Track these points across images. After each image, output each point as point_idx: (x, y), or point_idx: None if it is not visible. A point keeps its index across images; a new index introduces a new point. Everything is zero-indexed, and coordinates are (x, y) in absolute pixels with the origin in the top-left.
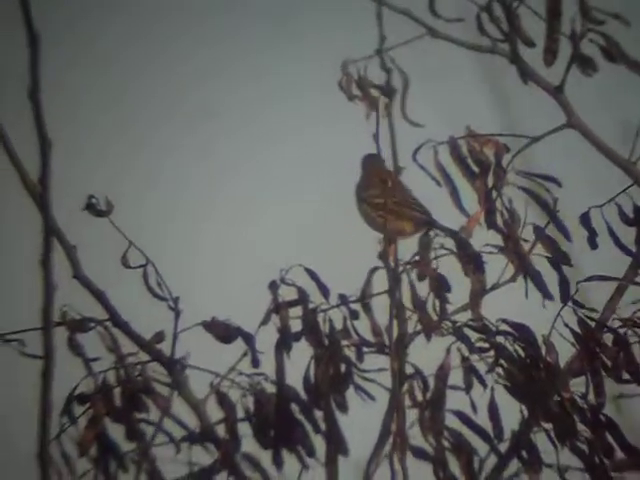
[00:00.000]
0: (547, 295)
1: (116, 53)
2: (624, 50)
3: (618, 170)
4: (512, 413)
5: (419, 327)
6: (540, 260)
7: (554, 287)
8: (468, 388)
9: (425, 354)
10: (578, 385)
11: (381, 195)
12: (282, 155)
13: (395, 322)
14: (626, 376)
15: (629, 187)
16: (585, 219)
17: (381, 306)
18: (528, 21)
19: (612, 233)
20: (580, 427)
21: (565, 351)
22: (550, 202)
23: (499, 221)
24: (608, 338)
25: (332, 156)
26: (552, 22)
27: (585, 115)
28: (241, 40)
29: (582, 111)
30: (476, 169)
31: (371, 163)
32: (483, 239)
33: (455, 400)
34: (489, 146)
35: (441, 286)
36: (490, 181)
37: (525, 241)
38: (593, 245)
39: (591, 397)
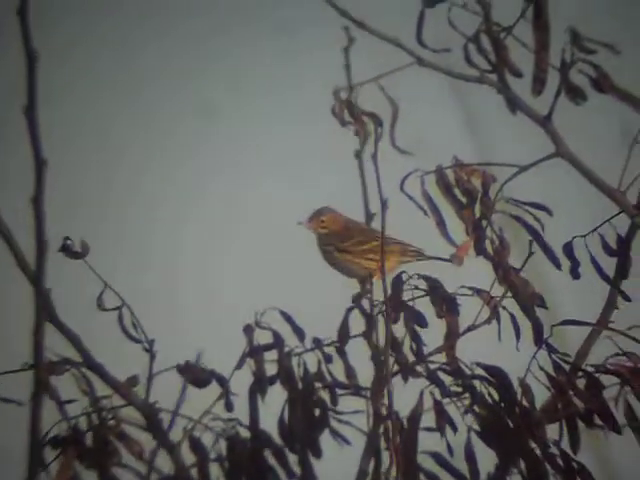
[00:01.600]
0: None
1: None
2: (613, 81)
3: (605, 199)
4: (489, 455)
5: (395, 368)
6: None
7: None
8: (441, 432)
9: (402, 395)
10: (551, 431)
11: (365, 241)
12: (259, 194)
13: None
14: (598, 422)
15: (614, 217)
16: (568, 249)
17: (357, 348)
18: (516, 50)
19: (595, 263)
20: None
21: (539, 395)
22: (540, 231)
23: (489, 249)
24: (581, 383)
25: (310, 196)
26: (540, 53)
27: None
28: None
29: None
30: (463, 199)
31: (332, 215)
32: (473, 268)
33: (432, 442)
34: (476, 176)
35: (417, 323)
36: (478, 210)
37: (515, 269)
38: (575, 275)
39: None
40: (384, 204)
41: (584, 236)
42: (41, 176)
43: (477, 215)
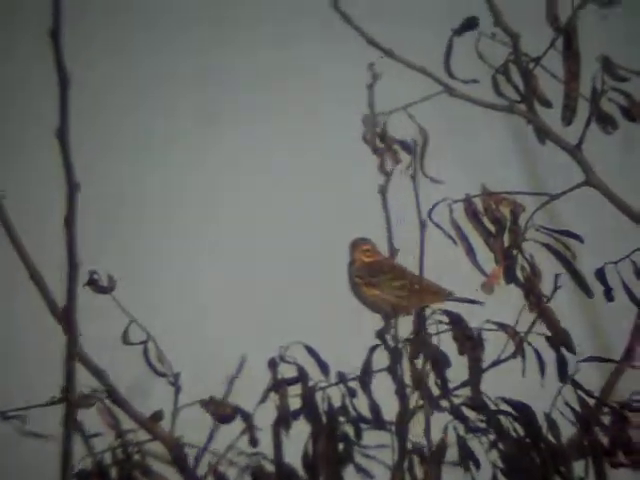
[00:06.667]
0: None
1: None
2: None
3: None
4: None
5: (420, 402)
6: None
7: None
8: (465, 467)
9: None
10: (577, 468)
11: (397, 278)
12: (286, 230)
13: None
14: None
15: None
16: (600, 274)
17: (380, 382)
18: (543, 77)
19: (627, 289)
20: None
21: (564, 431)
22: (571, 259)
23: (520, 276)
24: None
25: (334, 233)
26: (571, 83)
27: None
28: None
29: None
30: (492, 227)
31: (372, 246)
32: (503, 296)
33: (457, 475)
34: (505, 204)
35: (440, 363)
36: (506, 239)
37: (545, 297)
38: (609, 298)
39: None
40: (423, 224)
41: (616, 262)
42: (73, 198)
43: (506, 243)
